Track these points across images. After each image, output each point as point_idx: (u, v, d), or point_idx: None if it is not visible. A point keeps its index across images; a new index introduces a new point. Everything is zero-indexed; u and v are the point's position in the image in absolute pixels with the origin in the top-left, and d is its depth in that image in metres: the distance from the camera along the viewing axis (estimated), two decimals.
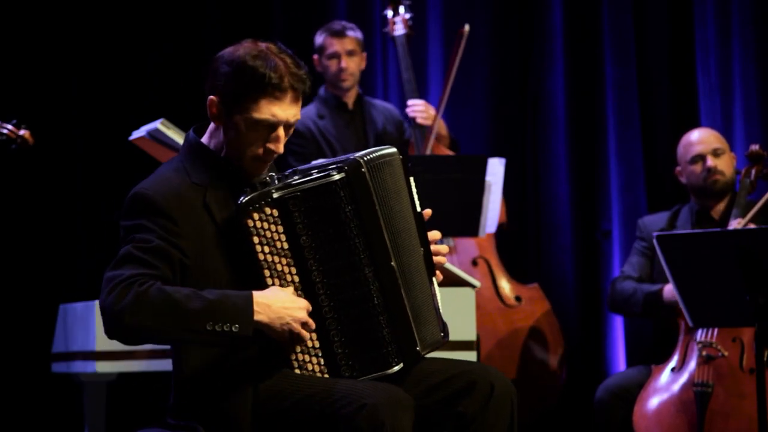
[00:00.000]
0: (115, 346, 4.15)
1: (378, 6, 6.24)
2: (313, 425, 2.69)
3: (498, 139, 6.24)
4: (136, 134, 4.37)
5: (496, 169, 5.23)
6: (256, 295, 2.69)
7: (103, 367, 4.20)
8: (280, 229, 2.74)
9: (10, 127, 4.57)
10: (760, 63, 5.76)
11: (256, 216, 2.72)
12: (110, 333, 2.66)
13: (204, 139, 2.89)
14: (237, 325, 2.64)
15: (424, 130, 5.44)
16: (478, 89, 6.29)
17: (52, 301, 4.76)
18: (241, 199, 2.73)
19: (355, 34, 5.41)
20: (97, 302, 4.04)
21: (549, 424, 5.71)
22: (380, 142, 5.47)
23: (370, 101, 5.58)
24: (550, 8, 6.21)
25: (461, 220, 4.89)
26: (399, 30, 5.56)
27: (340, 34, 5.36)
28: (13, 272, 5.60)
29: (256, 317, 2.67)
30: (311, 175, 2.76)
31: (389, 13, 5.61)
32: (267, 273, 2.74)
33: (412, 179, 2.96)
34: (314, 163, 2.93)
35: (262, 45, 2.82)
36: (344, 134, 5.40)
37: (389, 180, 2.84)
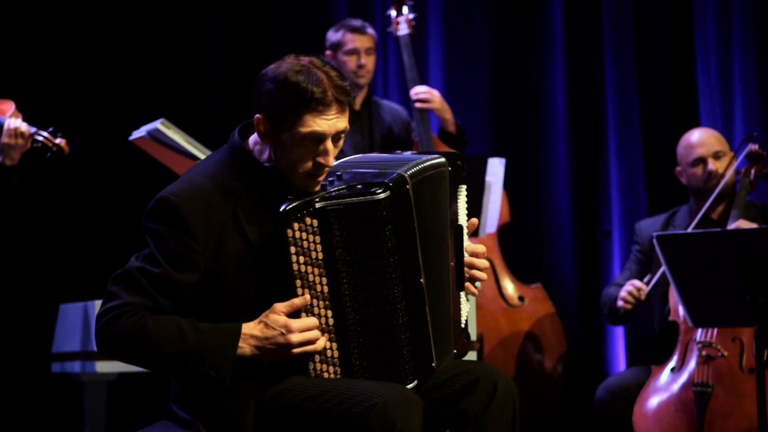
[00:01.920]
0: None
1: (378, 6, 6.24)
2: (320, 423, 2.69)
3: (498, 139, 6.24)
4: (136, 134, 4.37)
5: (496, 169, 5.23)
6: (245, 328, 2.72)
7: (103, 367, 4.21)
8: (318, 239, 2.72)
9: (46, 134, 4.57)
10: (760, 63, 5.76)
11: (296, 226, 2.70)
12: (98, 350, 2.79)
13: (250, 141, 2.87)
14: (215, 370, 2.68)
15: (426, 119, 5.43)
16: (478, 89, 6.29)
17: (52, 301, 4.77)
18: (284, 207, 2.70)
19: (373, 32, 5.44)
20: (97, 302, 4.06)
21: (549, 424, 5.71)
22: (386, 142, 5.48)
23: (378, 101, 5.59)
24: (550, 8, 6.21)
25: None
26: (403, 30, 5.56)
27: (360, 30, 5.38)
28: (13, 272, 5.60)
29: (240, 352, 2.70)
30: (355, 187, 2.75)
31: (393, 13, 5.61)
32: (299, 283, 2.72)
33: (464, 188, 2.96)
34: (357, 158, 2.92)
35: (305, 60, 2.79)
36: (348, 134, 5.40)
37: (432, 195, 2.83)
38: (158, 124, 4.23)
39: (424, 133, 5.40)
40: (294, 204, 2.70)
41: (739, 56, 5.80)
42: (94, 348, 4.13)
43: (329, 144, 2.78)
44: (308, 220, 2.71)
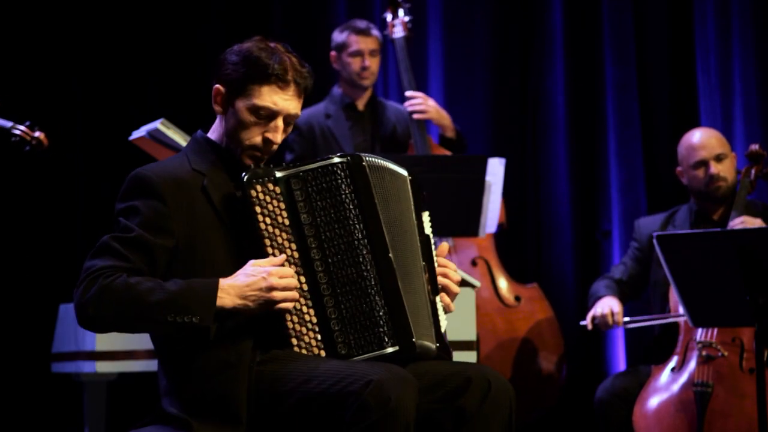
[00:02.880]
0: (115, 346, 4.17)
1: (378, 7, 6.24)
2: (316, 404, 2.71)
3: (498, 139, 6.24)
4: (136, 134, 4.37)
5: (496, 169, 5.23)
6: (222, 281, 2.75)
7: (103, 367, 4.21)
8: (282, 205, 2.82)
9: (23, 128, 4.57)
10: (760, 63, 5.76)
11: (259, 188, 2.81)
12: (80, 323, 2.76)
13: (210, 134, 3.01)
14: (198, 317, 2.71)
15: (422, 123, 5.44)
16: (478, 89, 6.29)
17: (52, 301, 4.77)
18: (244, 175, 2.81)
19: (378, 34, 5.44)
20: None
21: (549, 424, 5.71)
22: (389, 143, 5.48)
23: (383, 102, 5.59)
24: (550, 8, 6.21)
25: (461, 220, 4.89)
26: (398, 33, 5.54)
27: (365, 32, 5.39)
28: (13, 272, 5.60)
29: (221, 303, 2.73)
30: (314, 160, 2.87)
31: (389, 16, 5.60)
32: (267, 242, 2.81)
33: (427, 213, 3.02)
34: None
35: (271, 42, 2.93)
36: (349, 134, 5.41)
37: (391, 186, 2.92)
38: (158, 124, 4.23)
39: (420, 137, 5.40)
40: (255, 170, 2.83)
41: (739, 56, 5.80)
42: (94, 348, 4.14)
43: (280, 122, 2.91)
44: (271, 186, 2.82)
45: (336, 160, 2.84)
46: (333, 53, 5.43)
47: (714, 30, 5.87)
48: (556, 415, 5.71)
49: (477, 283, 4.39)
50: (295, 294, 2.78)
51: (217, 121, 3.00)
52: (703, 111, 5.87)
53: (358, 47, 5.37)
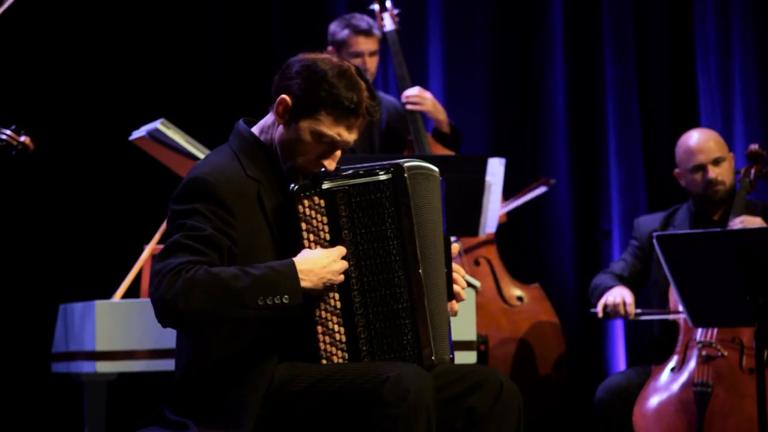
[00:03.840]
0: (115, 346, 4.16)
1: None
2: (332, 403, 2.72)
3: (498, 139, 6.24)
4: (136, 134, 4.37)
5: (496, 169, 5.23)
6: (297, 262, 2.75)
7: (103, 367, 4.20)
8: (325, 219, 2.81)
9: (9, 132, 4.56)
10: (760, 63, 5.76)
11: (306, 203, 2.80)
12: (166, 321, 2.71)
13: (255, 131, 2.94)
14: (287, 296, 2.71)
15: (417, 117, 5.39)
16: (478, 90, 6.28)
17: (52, 301, 4.76)
18: (292, 186, 2.80)
19: (378, 33, 5.34)
20: (97, 302, 4.05)
21: (549, 424, 5.71)
22: (385, 139, 5.45)
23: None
24: (550, 8, 6.21)
25: (461, 219, 4.89)
26: (388, 26, 5.44)
27: (367, 33, 5.28)
28: (13, 272, 5.60)
29: (302, 284, 2.73)
30: (359, 173, 2.84)
31: (376, 6, 5.48)
32: None
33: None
34: (357, 163, 2.97)
35: (345, 64, 2.87)
36: None
37: (425, 192, 2.90)
38: (158, 124, 4.23)
39: (417, 131, 5.36)
40: (303, 182, 2.81)
41: (739, 56, 5.80)
42: (94, 348, 4.14)
43: (339, 152, 2.88)
44: (316, 200, 2.81)
45: (382, 176, 2.82)
46: (330, 48, 5.34)
47: (714, 30, 5.86)
48: (556, 415, 5.71)
49: (477, 283, 4.39)
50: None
51: (272, 122, 2.91)
52: (703, 111, 5.87)
53: (359, 48, 5.29)
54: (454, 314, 3.03)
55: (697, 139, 4.87)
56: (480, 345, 5.16)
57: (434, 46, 6.28)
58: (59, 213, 5.75)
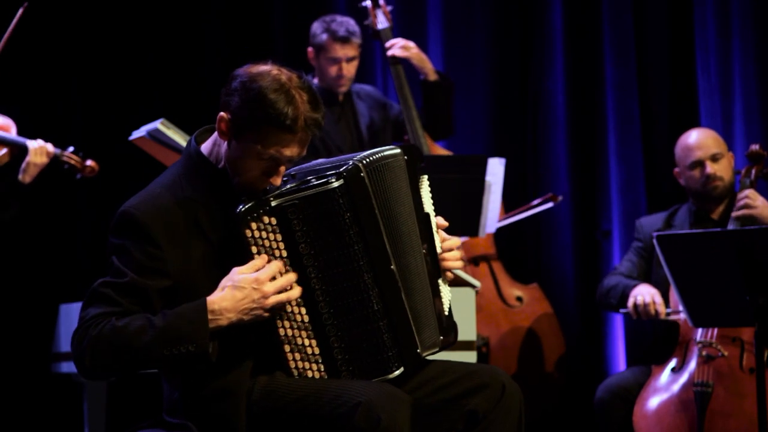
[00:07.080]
0: None
1: None
2: (309, 424, 2.71)
3: (498, 139, 6.24)
4: (136, 134, 4.37)
5: (496, 169, 5.22)
6: (211, 302, 2.69)
7: None
8: (279, 237, 2.73)
9: (74, 156, 4.77)
10: (760, 63, 5.76)
11: (254, 226, 2.71)
12: (80, 374, 2.74)
13: (205, 147, 2.87)
14: (193, 345, 2.66)
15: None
16: (478, 89, 6.29)
17: (52, 301, 4.77)
18: (239, 208, 2.72)
19: (358, 39, 5.29)
20: None
21: (549, 424, 5.71)
22: (373, 133, 5.42)
23: (354, 90, 5.44)
24: (550, 8, 6.21)
25: (461, 220, 4.89)
26: (382, 23, 5.41)
27: (344, 40, 5.23)
28: (14, 272, 5.60)
29: (215, 324, 2.68)
30: (309, 181, 2.75)
31: (368, 3, 5.44)
32: None
33: (425, 178, 2.96)
34: (313, 162, 2.92)
35: (284, 76, 2.77)
36: (335, 129, 5.33)
37: (390, 182, 2.83)
38: (158, 124, 4.24)
39: (415, 131, 5.31)
40: (249, 204, 2.71)
41: (739, 57, 5.80)
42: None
43: (282, 168, 2.78)
44: (266, 219, 2.72)
45: (334, 184, 2.71)
46: (311, 49, 5.30)
47: (714, 30, 5.86)
48: (556, 415, 5.71)
49: (477, 283, 4.39)
50: (291, 293, 2.72)
51: (218, 139, 2.83)
52: (703, 111, 5.87)
53: (336, 55, 5.24)
54: (450, 278, 2.97)
55: (695, 136, 4.89)
56: (482, 347, 5.16)
57: (434, 46, 6.28)
58: (59, 213, 5.75)
